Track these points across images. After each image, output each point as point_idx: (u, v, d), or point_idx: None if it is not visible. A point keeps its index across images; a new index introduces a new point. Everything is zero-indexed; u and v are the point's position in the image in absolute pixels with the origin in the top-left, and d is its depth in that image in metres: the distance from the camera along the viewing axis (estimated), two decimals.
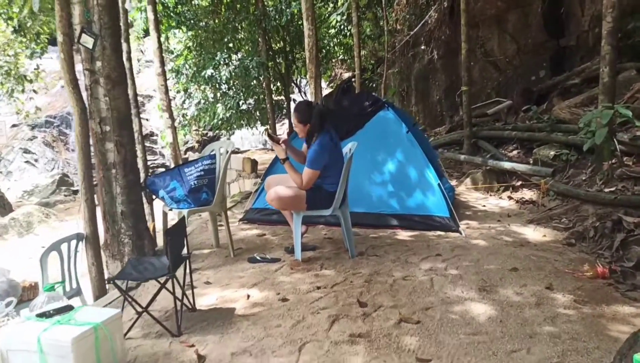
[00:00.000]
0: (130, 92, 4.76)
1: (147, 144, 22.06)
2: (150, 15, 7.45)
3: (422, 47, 10.97)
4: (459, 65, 10.47)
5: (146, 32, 14.84)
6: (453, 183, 6.71)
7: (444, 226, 4.44)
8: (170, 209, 3.78)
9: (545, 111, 7.02)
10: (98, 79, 3.53)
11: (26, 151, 19.76)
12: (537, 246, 4.01)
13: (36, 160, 19.67)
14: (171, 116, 7.60)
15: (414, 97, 11.55)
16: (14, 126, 20.73)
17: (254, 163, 7.76)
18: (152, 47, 7.63)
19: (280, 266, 3.67)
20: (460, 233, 4.35)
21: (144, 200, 3.81)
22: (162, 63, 7.53)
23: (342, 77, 21.23)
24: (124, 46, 5.23)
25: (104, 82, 3.54)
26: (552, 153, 5.88)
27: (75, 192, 15.15)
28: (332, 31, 16.38)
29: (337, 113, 5.07)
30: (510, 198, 5.80)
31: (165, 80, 7.58)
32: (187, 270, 2.85)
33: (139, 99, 25.03)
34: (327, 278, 3.38)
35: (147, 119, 22.10)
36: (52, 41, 25.37)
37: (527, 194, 5.73)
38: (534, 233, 4.40)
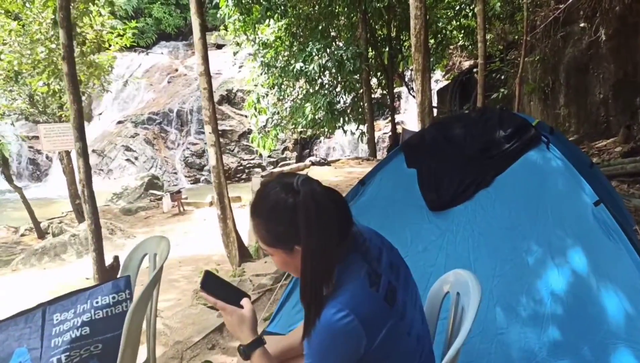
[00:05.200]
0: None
1: (245, 142, 21.06)
2: None
3: (581, 24, 7.69)
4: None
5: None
6: None
7: None
8: None
9: None
10: None
11: (127, 149, 19.69)
12: None
13: (136, 158, 19.51)
14: (215, 131, 5.60)
15: (563, 96, 8.30)
16: (119, 122, 20.86)
17: None
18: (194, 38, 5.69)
19: None
20: None
21: None
22: (206, 59, 5.56)
23: (461, 66, 18.07)
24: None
25: None
26: None
27: (160, 198, 14.24)
28: (450, 12, 13.60)
29: (432, 153, 2.57)
30: None
31: (210, 82, 5.61)
32: None
33: (239, 94, 24.23)
34: None
35: (245, 116, 21.18)
36: (164, 36, 25.61)
37: None
38: None
